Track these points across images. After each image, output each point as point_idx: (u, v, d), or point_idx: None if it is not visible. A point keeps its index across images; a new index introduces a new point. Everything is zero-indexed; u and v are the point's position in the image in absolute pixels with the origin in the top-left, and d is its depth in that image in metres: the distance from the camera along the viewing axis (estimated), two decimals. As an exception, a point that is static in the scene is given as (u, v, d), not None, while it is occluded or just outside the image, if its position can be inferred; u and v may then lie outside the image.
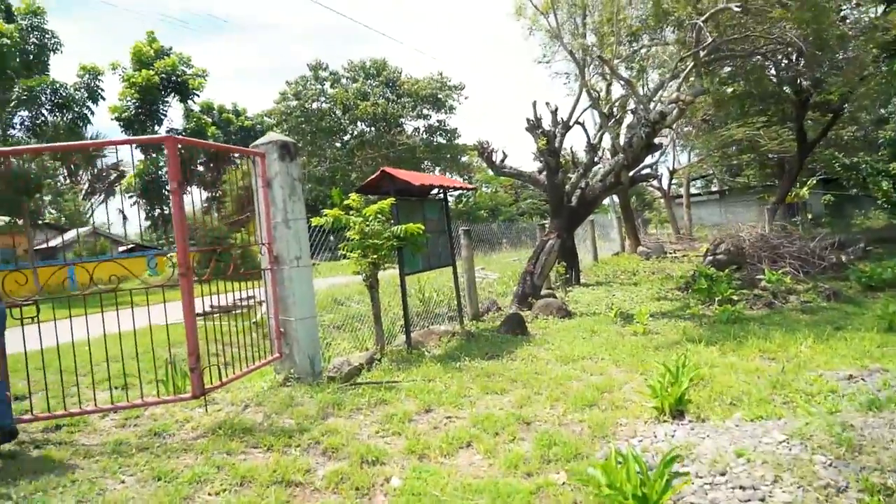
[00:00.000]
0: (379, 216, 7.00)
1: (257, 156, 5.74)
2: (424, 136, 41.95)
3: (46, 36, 18.94)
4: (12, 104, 18.18)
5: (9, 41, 16.70)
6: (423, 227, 7.09)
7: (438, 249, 8.72)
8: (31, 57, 18.33)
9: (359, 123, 39.09)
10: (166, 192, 25.49)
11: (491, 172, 16.23)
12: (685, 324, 8.60)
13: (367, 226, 7.09)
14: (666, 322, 8.95)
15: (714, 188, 50.60)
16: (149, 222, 25.33)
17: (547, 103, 11.13)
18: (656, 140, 8.46)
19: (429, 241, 8.32)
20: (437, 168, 47.26)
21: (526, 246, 23.04)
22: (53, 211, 42.77)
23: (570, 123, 10.86)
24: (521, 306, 10.35)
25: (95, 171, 35.60)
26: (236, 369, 5.35)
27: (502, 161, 14.38)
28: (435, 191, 9.31)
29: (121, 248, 31.72)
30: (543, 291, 11.09)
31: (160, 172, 24.23)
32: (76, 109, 20.01)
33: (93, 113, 21.35)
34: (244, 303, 11.19)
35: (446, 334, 8.42)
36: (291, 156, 5.84)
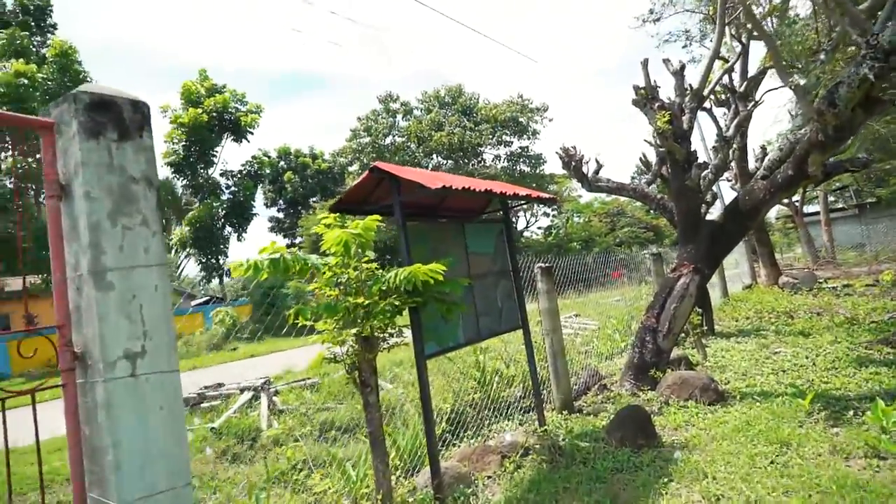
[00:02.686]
0: (359, 251, 3.68)
1: (42, 130, 2.63)
2: (506, 164, 38.66)
3: (81, 77, 17.65)
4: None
5: (27, 81, 15.38)
6: (444, 266, 3.68)
7: (497, 304, 5.23)
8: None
9: (434, 156, 36.50)
10: (222, 240, 23.69)
11: (581, 190, 12.53)
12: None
13: (346, 271, 3.79)
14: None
15: (841, 203, 43.27)
16: (203, 272, 23.62)
17: (666, 61, 7.33)
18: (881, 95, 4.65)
19: (476, 293, 4.89)
20: (523, 199, 43.69)
21: (632, 281, 18.86)
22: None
23: (705, 93, 7.03)
24: (638, 383, 6.59)
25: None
26: None
27: (596, 172, 10.82)
28: (481, 204, 5.95)
29: (194, 302, 30.25)
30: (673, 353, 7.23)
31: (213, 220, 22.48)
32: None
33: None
34: (214, 391, 8.19)
35: (513, 451, 4.87)
36: (122, 129, 2.67)
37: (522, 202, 5.51)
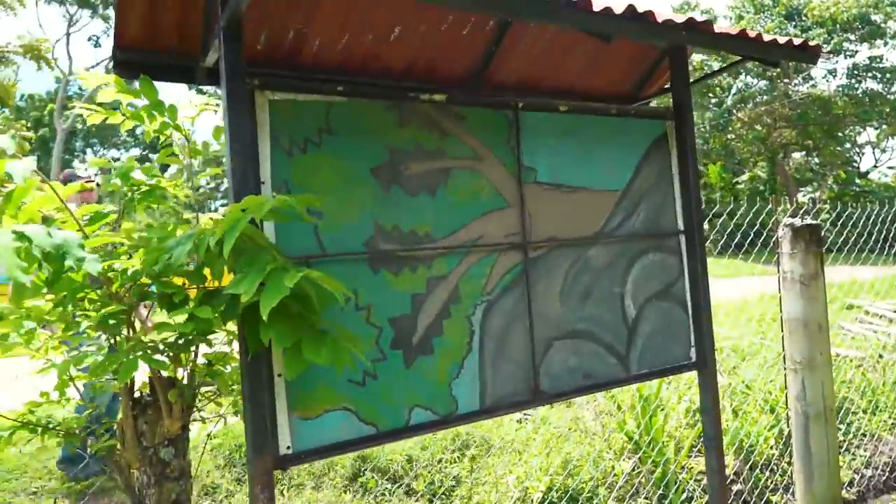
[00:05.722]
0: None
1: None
2: (844, 81, 29.03)
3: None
4: None
5: None
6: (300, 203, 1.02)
7: (618, 311, 2.19)
8: None
9: (744, 75, 29.30)
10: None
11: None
12: None
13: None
14: None
15: None
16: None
17: None
18: None
19: (542, 286, 1.98)
20: (869, 130, 32.95)
21: None
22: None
23: None
24: None
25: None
26: None
27: None
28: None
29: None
30: None
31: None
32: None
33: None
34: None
35: None
36: None
37: (732, 57, 2.11)
